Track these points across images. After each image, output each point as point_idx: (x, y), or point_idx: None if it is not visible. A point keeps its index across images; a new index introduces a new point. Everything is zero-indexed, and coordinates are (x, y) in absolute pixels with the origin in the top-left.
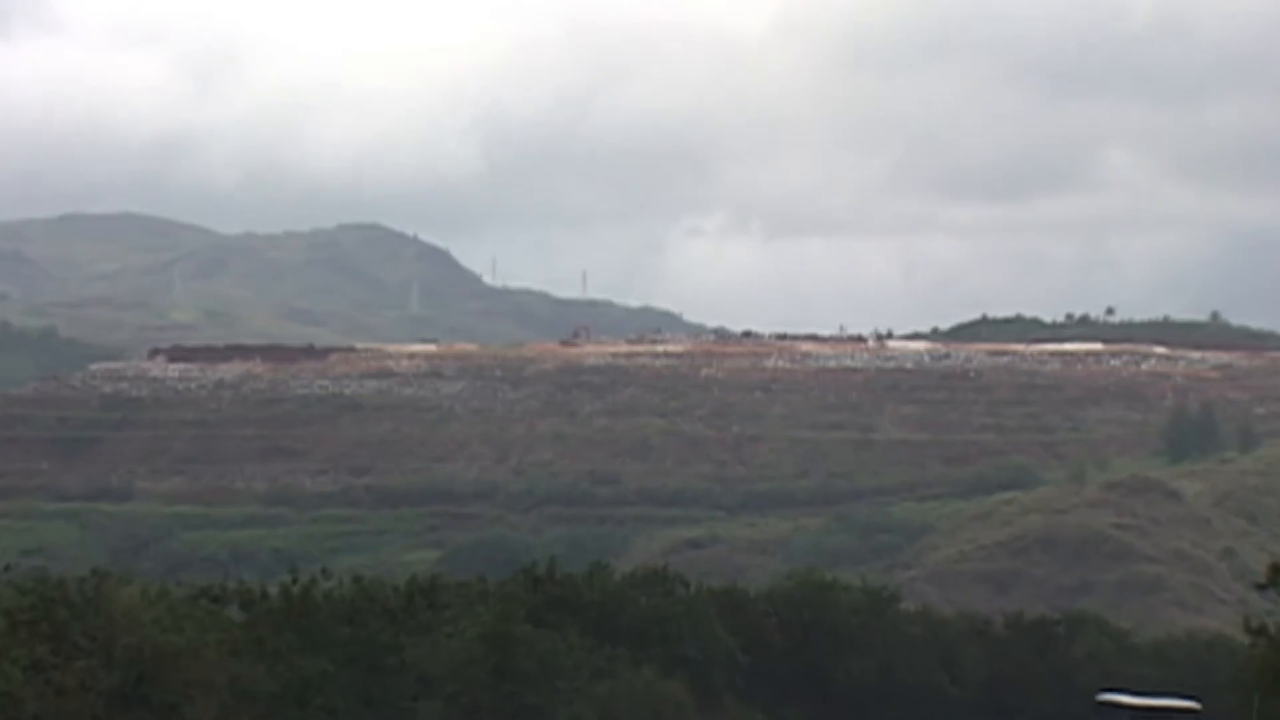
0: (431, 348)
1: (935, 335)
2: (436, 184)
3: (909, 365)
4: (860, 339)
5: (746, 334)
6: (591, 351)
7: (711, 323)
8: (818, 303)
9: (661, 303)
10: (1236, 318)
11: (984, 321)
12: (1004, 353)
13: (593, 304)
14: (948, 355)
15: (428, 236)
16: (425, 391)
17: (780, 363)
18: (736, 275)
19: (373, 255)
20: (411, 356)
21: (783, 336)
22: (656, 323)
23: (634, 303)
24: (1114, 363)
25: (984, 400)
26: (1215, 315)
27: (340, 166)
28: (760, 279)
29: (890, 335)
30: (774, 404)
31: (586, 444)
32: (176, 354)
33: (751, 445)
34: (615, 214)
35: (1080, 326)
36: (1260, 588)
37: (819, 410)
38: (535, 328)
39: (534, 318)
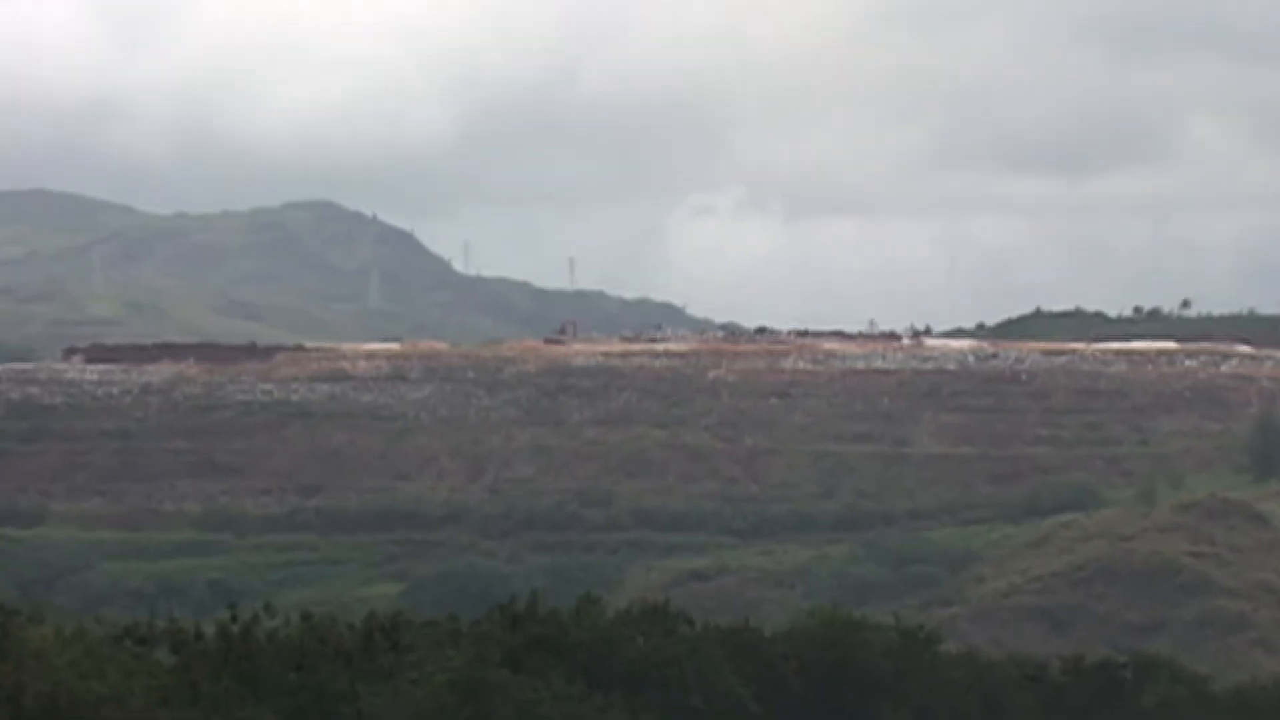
0: (394, 346)
1: (981, 332)
2: (400, 155)
3: (950, 367)
4: (893, 336)
5: (761, 330)
6: (580, 351)
7: (720, 317)
8: (845, 294)
9: (662, 294)
10: None
11: (1038, 315)
12: (1061, 352)
13: (582, 295)
14: (995, 355)
15: (389, 217)
16: (386, 398)
17: (800, 364)
18: (750, 262)
19: (325, 238)
20: (370, 357)
21: (803, 333)
22: (656, 317)
23: (630, 294)
24: (1190, 364)
25: (1038, 408)
26: None
27: (287, 135)
28: (778, 266)
29: (929, 332)
30: (792, 412)
31: (574, 458)
32: (95, 353)
33: (766, 460)
34: (608, 191)
35: (1150, 322)
36: None
37: (845, 419)
38: (515, 323)
39: (513, 311)
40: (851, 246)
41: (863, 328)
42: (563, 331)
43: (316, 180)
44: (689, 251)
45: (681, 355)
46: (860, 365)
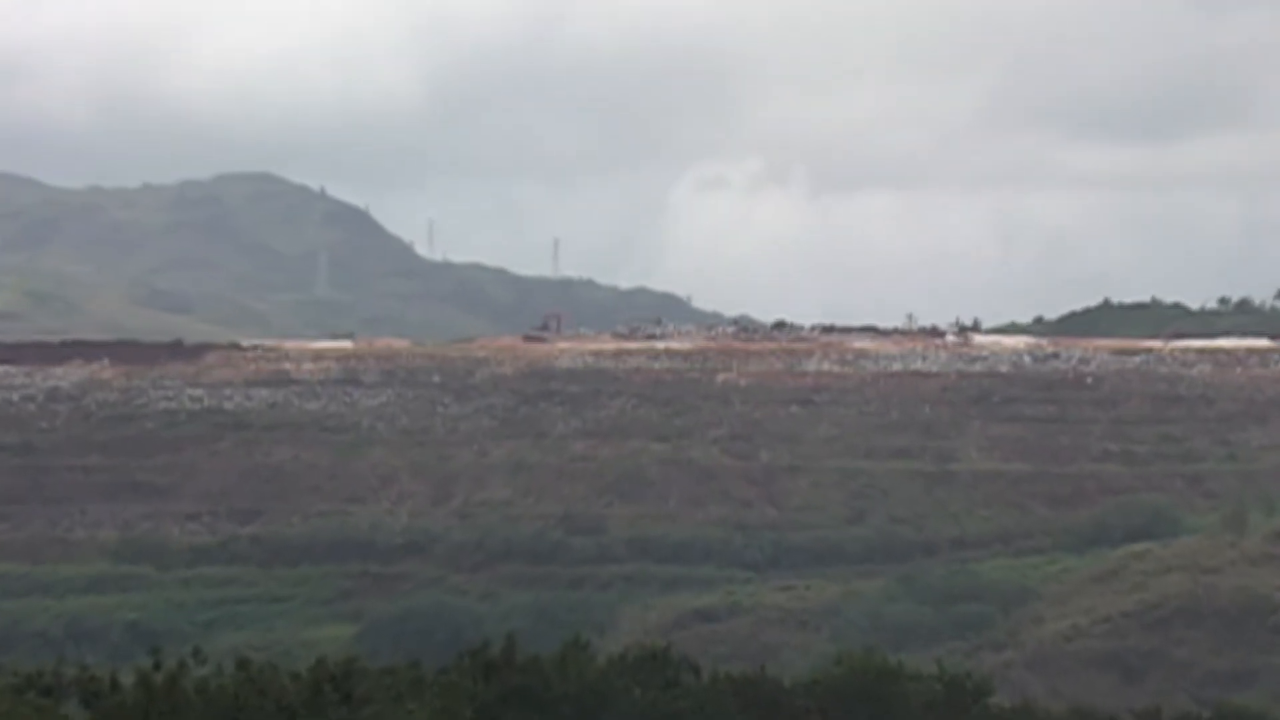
0: (346, 345)
1: (1040, 327)
2: (354, 119)
3: (1003, 369)
4: (936, 332)
5: (779, 326)
6: (566, 350)
7: (731, 310)
8: (879, 283)
9: (663, 283)
10: None
11: (1107, 308)
12: (1134, 351)
13: (568, 284)
14: (1056, 355)
15: (340, 191)
16: (336, 405)
17: (826, 365)
18: (768, 245)
19: (264, 216)
20: (318, 357)
21: (829, 329)
22: (656, 310)
23: (625, 283)
24: None
25: (1106, 417)
26: None
27: (221, 95)
28: (801, 250)
29: (977, 327)
30: (817, 422)
31: (558, 477)
32: None
33: (786, 479)
34: (600, 162)
35: (1240, 315)
36: None
37: (879, 431)
38: (489, 317)
39: (487, 303)
40: (888, 227)
41: (900, 323)
42: (545, 327)
43: (255, 148)
44: (695, 232)
45: (686, 355)
46: (897, 367)
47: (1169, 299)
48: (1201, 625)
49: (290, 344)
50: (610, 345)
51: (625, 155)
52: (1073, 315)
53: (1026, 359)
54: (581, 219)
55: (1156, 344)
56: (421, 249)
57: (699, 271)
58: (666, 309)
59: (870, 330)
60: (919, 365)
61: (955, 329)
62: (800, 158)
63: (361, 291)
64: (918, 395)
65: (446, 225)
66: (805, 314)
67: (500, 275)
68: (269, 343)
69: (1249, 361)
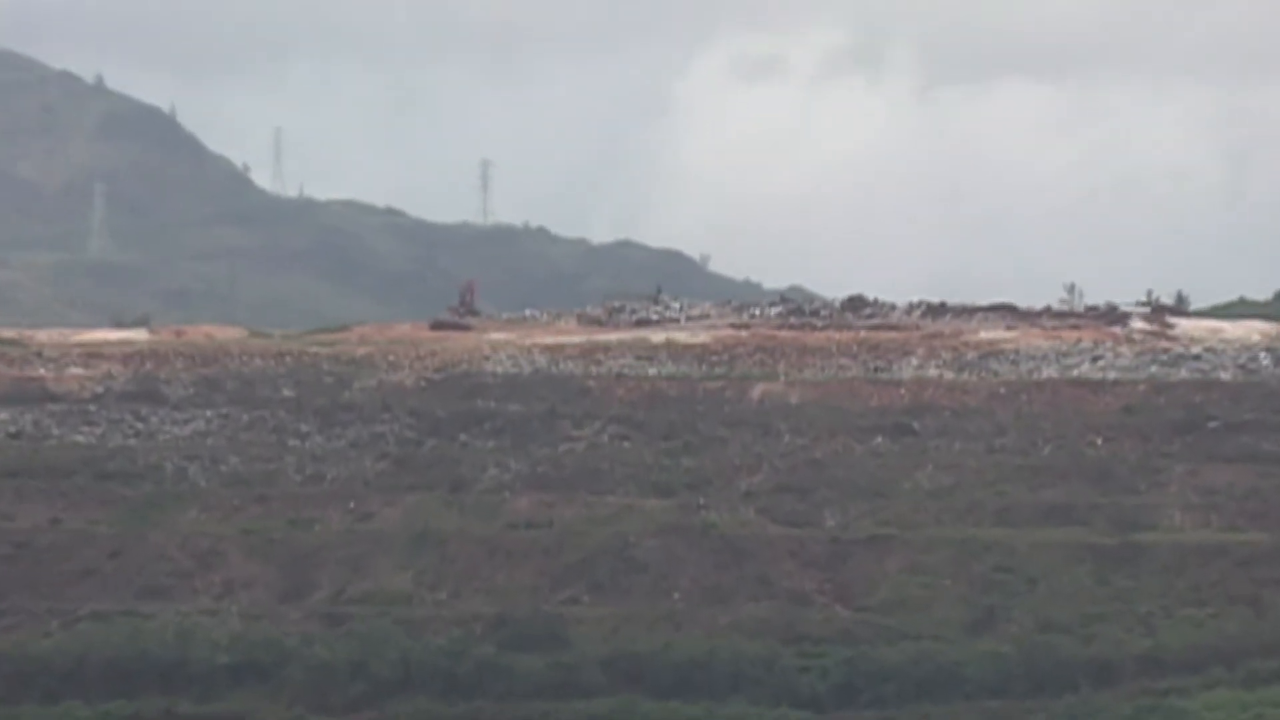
0: (138, 335)
1: None
2: None
3: (1225, 376)
4: (1114, 315)
5: (856, 304)
6: (501, 343)
7: (776, 279)
8: (1020, 231)
9: (663, 235)
10: None
11: None
12: None
13: (505, 235)
14: None
15: (129, 82)
16: (123, 436)
17: (932, 369)
18: (841, 170)
19: (6, 123)
20: (92, 356)
21: (938, 310)
22: (653, 279)
23: (599, 234)
24: None
25: None
26: None
27: None
28: (895, 179)
29: (1183, 307)
30: (917, 463)
31: (490, 555)
32: None
33: (866, 558)
34: (562, 36)
35: None
36: None
37: (1019, 478)
38: (373, 288)
39: (370, 266)
40: (1036, 140)
41: (1054, 300)
42: (464, 304)
43: None
44: (720, 152)
45: (700, 353)
46: (1049, 373)
47: None
48: None
49: (46, 334)
50: (576, 336)
51: (605, 26)
52: None
53: (1264, 359)
54: (529, 130)
55: None
56: (262, 177)
57: (723, 218)
58: (669, 277)
59: (1005, 311)
60: (1085, 370)
61: (1146, 310)
62: (901, 33)
63: (164, 248)
64: (1084, 420)
65: (303, 139)
66: (899, 286)
67: (393, 221)
68: (10, 333)
69: None
